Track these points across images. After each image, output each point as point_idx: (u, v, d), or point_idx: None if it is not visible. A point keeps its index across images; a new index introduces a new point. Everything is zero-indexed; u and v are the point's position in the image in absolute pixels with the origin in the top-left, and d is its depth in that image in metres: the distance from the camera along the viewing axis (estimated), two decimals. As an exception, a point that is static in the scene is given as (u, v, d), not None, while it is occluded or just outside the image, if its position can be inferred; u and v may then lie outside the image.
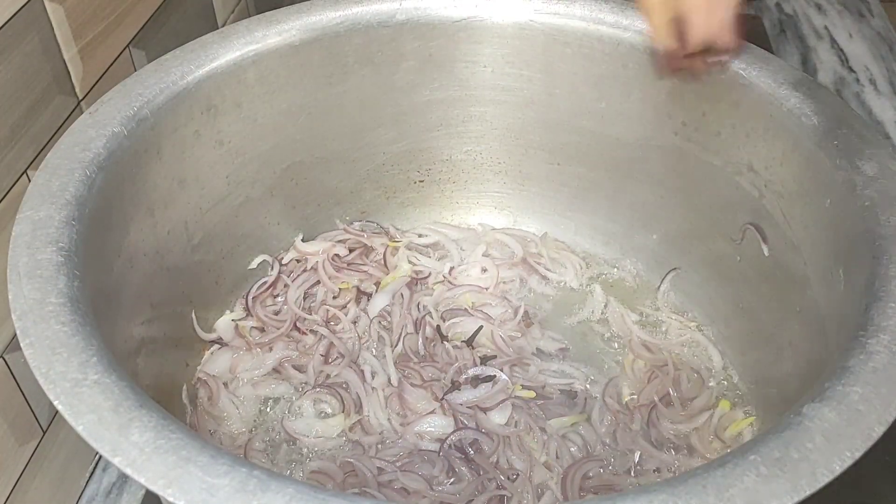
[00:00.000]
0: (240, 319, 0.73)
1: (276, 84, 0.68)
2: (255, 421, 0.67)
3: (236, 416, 0.67)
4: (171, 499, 0.36)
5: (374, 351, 0.72)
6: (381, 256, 0.79)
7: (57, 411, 0.40)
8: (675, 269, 0.76)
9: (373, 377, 0.69)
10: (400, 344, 0.72)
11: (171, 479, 0.36)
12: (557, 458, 0.64)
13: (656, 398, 0.67)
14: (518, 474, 0.62)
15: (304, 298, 0.75)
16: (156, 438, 0.38)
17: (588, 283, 0.79)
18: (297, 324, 0.73)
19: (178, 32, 0.80)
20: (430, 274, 0.78)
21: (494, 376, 0.67)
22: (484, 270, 0.78)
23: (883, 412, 0.40)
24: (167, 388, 0.65)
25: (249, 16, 0.69)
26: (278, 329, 0.72)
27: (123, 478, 0.69)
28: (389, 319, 0.74)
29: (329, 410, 0.67)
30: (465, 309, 0.75)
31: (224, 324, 0.72)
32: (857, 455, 0.38)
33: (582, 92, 0.73)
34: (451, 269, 0.79)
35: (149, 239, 0.61)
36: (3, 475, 0.58)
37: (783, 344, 0.62)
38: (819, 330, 0.56)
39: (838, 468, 0.38)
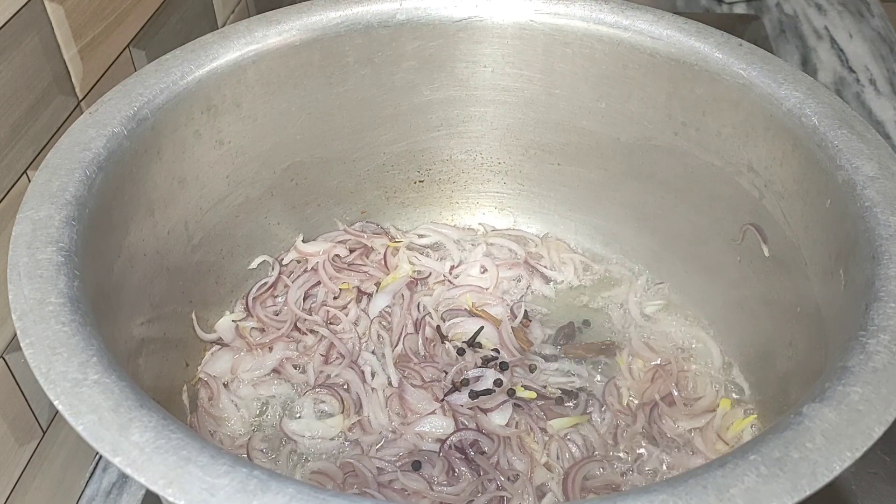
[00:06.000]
0: (240, 320, 0.73)
1: (276, 84, 0.68)
2: (255, 421, 0.68)
3: (236, 417, 0.67)
4: (171, 499, 0.36)
5: (374, 351, 0.72)
6: (382, 257, 0.79)
7: (57, 411, 0.40)
8: (675, 268, 0.76)
9: (373, 377, 0.69)
10: (400, 344, 0.72)
11: (171, 479, 0.36)
12: (558, 458, 0.64)
13: (658, 398, 0.67)
14: (519, 475, 0.62)
15: (305, 299, 0.75)
16: (156, 438, 0.38)
17: (588, 283, 0.79)
18: (298, 324, 0.73)
19: (178, 32, 0.80)
20: (430, 274, 0.78)
21: (494, 391, 0.67)
22: (484, 270, 0.78)
23: (883, 412, 0.40)
24: (167, 388, 0.65)
25: (249, 16, 0.69)
26: (278, 329, 0.72)
27: (123, 478, 0.69)
28: (390, 320, 0.74)
29: (329, 410, 0.67)
30: (466, 309, 0.75)
31: (224, 324, 0.72)
32: (857, 455, 0.38)
33: (582, 92, 0.73)
34: (452, 268, 0.79)
35: (149, 239, 0.61)
36: (3, 475, 0.58)
37: (783, 344, 0.62)
38: (819, 330, 0.56)
39: (838, 468, 0.38)
